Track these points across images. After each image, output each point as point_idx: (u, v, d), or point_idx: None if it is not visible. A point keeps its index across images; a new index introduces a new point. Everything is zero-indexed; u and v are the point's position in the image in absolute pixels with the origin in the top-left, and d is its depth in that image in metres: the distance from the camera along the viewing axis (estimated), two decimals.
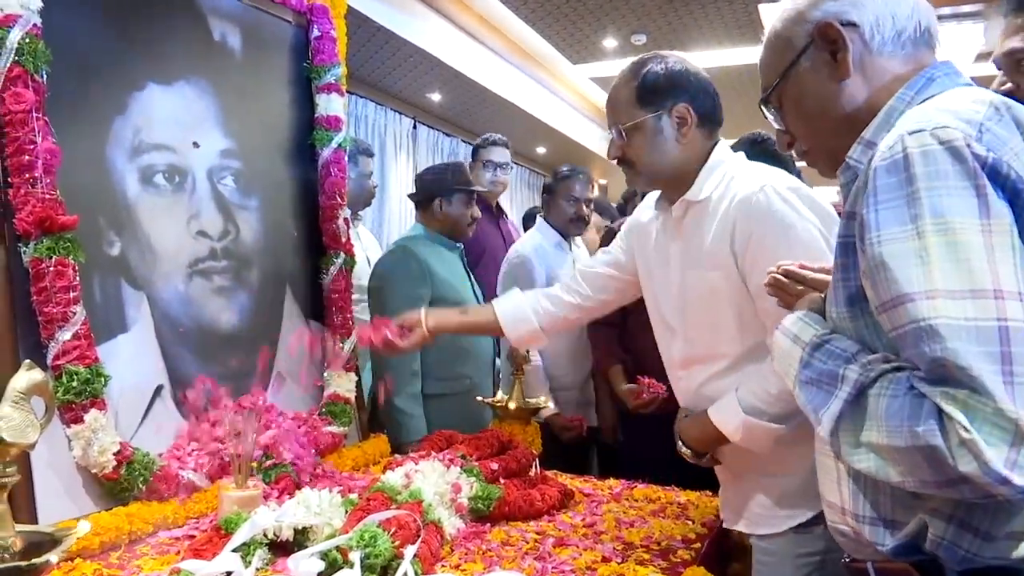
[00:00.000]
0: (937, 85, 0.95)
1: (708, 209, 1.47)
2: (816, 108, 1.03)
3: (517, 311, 1.78)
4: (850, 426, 0.86)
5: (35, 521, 1.38)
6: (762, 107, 1.14)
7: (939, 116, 0.84)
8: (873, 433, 0.82)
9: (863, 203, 0.85)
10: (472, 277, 2.72)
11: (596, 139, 9.74)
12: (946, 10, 5.32)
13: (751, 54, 6.94)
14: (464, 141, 8.16)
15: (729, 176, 1.47)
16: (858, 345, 0.91)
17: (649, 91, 1.48)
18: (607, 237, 3.54)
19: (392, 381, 2.38)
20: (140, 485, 1.54)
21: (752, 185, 1.41)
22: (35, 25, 1.49)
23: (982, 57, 5.89)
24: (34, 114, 1.46)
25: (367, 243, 3.23)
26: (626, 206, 4.18)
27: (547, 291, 1.82)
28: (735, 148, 1.59)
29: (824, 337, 0.95)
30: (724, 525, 1.64)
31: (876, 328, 0.89)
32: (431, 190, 2.67)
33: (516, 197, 9.74)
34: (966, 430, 0.73)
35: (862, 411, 0.84)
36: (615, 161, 1.55)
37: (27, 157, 1.45)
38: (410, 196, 2.80)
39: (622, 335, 2.65)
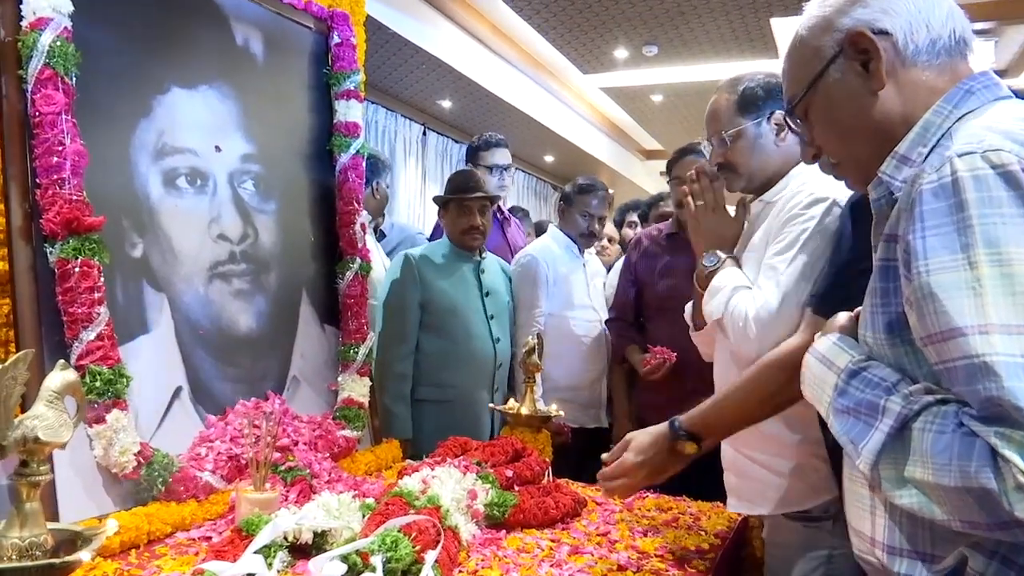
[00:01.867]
0: (976, 98, 0.91)
1: (774, 208, 1.60)
2: (846, 120, 1.00)
3: None
4: (892, 460, 0.82)
5: (56, 519, 1.39)
6: (787, 119, 1.13)
7: (990, 137, 0.80)
8: (918, 469, 0.79)
9: (908, 228, 0.82)
10: (483, 290, 2.73)
11: (604, 148, 9.76)
12: None
13: (762, 66, 6.96)
14: None
15: (806, 182, 1.58)
16: (898, 374, 0.88)
17: (749, 101, 1.61)
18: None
19: (382, 381, 2.46)
20: (159, 485, 1.55)
21: (821, 193, 1.51)
22: (66, 28, 1.51)
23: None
24: (63, 116, 1.48)
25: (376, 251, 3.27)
26: (624, 220, 4.25)
27: None
28: None
29: (861, 364, 0.92)
30: (728, 508, 1.75)
31: (917, 356, 0.86)
32: (438, 201, 2.73)
33: (523, 204, 9.76)
34: None
35: (905, 445, 0.81)
36: (716, 167, 1.68)
37: (56, 158, 1.47)
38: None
39: (637, 327, 2.80)
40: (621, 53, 6.90)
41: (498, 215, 3.35)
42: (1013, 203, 0.76)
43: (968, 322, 0.75)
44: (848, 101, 0.99)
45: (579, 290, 2.94)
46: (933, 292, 0.78)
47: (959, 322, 0.76)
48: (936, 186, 0.80)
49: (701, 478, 2.29)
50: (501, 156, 3.30)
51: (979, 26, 5.30)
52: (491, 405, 2.40)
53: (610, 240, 3.74)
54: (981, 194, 0.77)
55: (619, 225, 4.27)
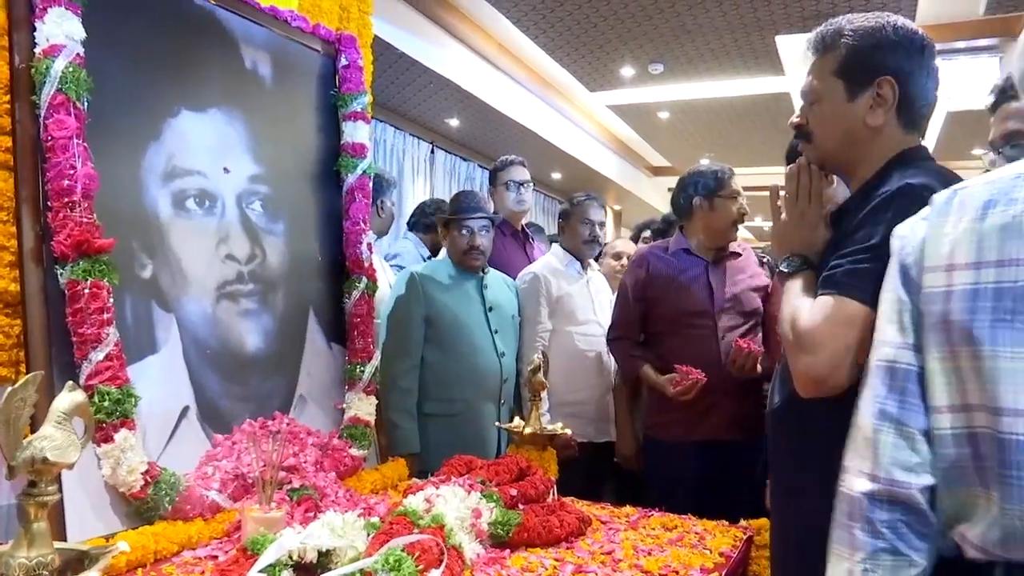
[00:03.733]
0: None
1: None
2: None
3: None
4: None
5: (64, 538, 1.40)
6: None
7: None
8: None
9: None
10: (486, 304, 2.74)
11: (611, 165, 9.79)
12: (961, 44, 5.36)
13: (768, 84, 6.98)
14: (481, 166, 8.25)
15: None
16: None
17: None
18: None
19: (388, 396, 2.47)
20: (166, 504, 1.57)
21: None
22: (78, 55, 1.54)
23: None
24: (75, 140, 1.51)
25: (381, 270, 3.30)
26: (639, 235, 4.27)
27: None
28: None
29: None
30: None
31: None
32: (440, 221, 2.79)
33: (531, 220, 9.78)
34: None
35: None
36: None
37: (67, 182, 1.50)
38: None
39: (645, 344, 2.73)
40: (627, 71, 6.93)
41: (520, 235, 3.38)
42: None
43: None
44: None
45: (583, 305, 2.96)
46: None
47: None
48: None
49: (706, 496, 2.29)
50: (518, 172, 3.33)
51: (982, 42, 5.31)
52: (496, 423, 2.41)
53: (618, 256, 3.74)
54: None
55: (635, 241, 4.29)
